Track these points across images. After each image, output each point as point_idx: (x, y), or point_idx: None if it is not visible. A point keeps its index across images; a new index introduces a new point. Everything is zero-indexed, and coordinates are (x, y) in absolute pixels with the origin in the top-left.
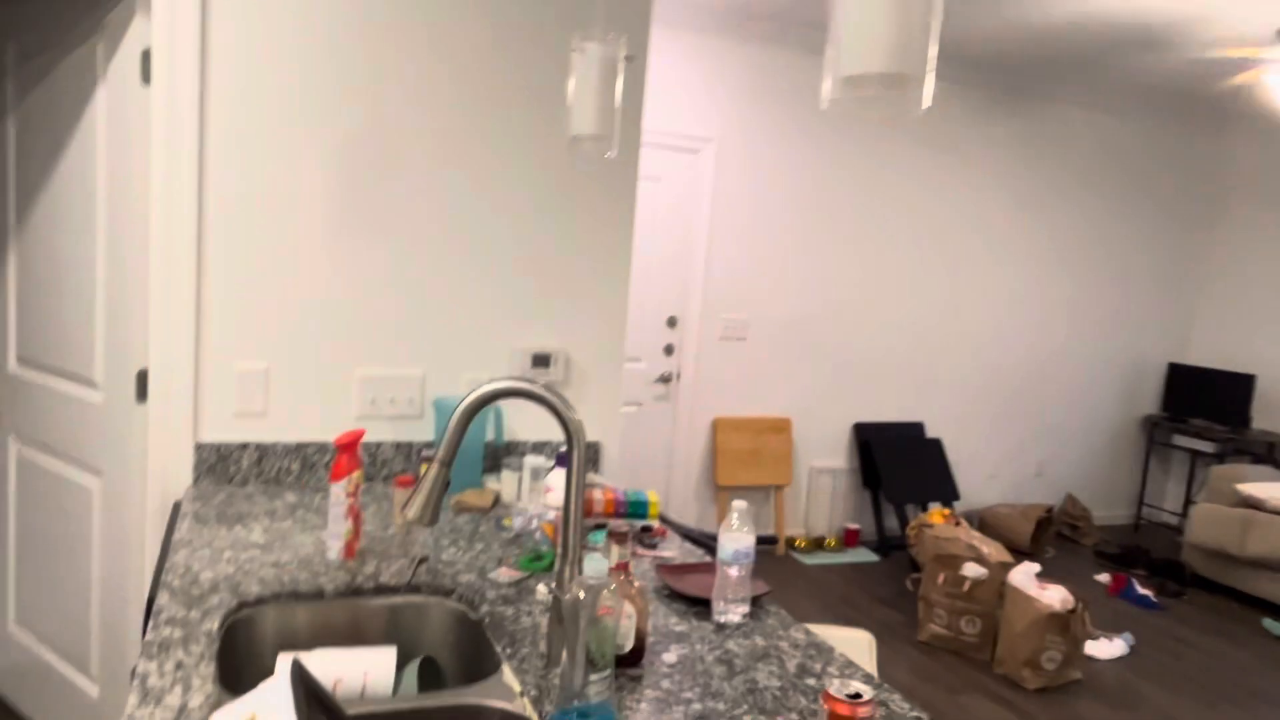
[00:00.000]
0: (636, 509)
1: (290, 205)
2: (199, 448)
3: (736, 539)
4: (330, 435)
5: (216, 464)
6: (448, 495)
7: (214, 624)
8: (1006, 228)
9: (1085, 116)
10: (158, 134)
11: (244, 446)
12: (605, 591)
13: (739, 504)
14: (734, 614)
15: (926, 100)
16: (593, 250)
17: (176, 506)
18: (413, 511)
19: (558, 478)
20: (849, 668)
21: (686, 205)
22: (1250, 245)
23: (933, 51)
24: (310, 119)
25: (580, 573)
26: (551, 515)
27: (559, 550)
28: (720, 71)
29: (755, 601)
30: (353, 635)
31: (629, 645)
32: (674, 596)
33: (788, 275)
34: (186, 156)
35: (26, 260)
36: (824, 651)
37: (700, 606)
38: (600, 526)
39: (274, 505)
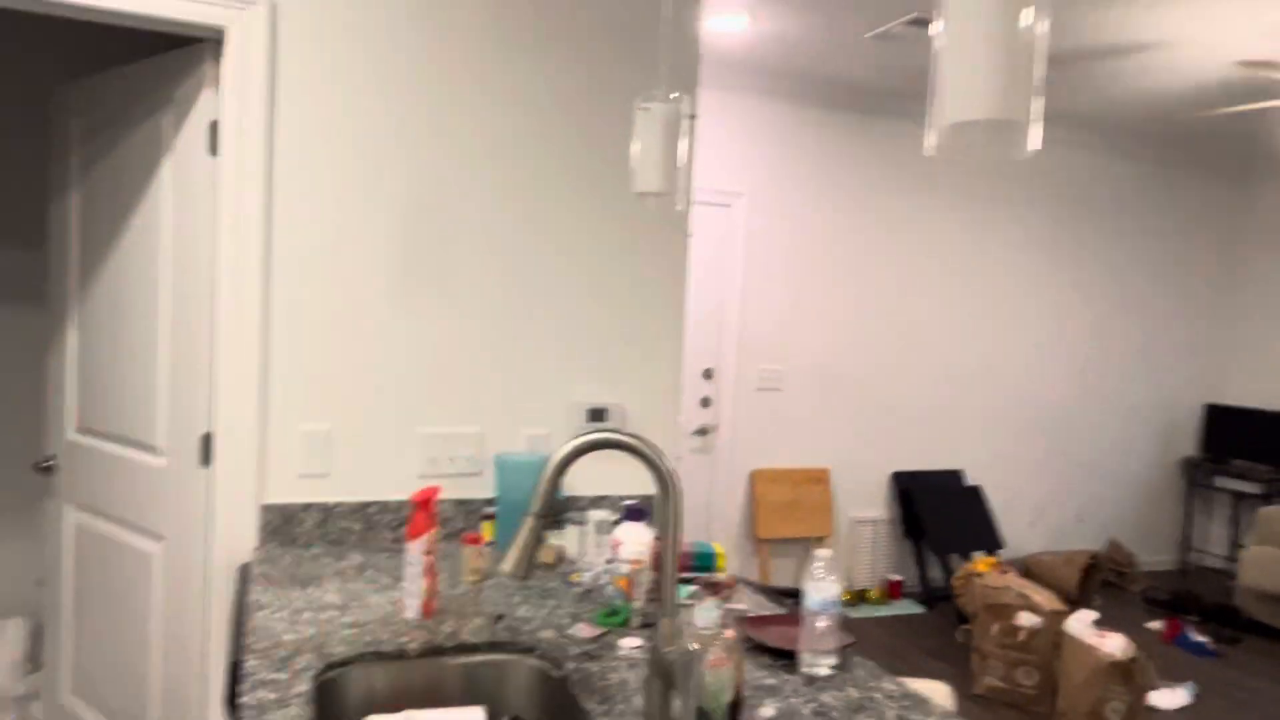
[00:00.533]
0: (704, 560)
1: (352, 269)
2: (264, 509)
3: (822, 588)
4: (392, 494)
5: (281, 526)
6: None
7: (305, 685)
8: (1038, 273)
9: (1113, 160)
10: (225, 203)
11: (307, 507)
12: (718, 642)
13: (823, 552)
14: (822, 666)
15: (1035, 144)
16: (646, 304)
17: (243, 569)
18: (509, 565)
19: (627, 532)
20: (950, 719)
21: (720, 258)
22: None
23: (1039, 97)
24: (372, 185)
25: (685, 625)
26: (624, 569)
27: (659, 603)
28: (749, 127)
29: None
30: (434, 695)
31: (729, 698)
32: (755, 649)
33: (822, 325)
34: (253, 224)
35: (89, 330)
36: (919, 703)
37: (784, 659)
38: (683, 580)
39: (341, 566)
